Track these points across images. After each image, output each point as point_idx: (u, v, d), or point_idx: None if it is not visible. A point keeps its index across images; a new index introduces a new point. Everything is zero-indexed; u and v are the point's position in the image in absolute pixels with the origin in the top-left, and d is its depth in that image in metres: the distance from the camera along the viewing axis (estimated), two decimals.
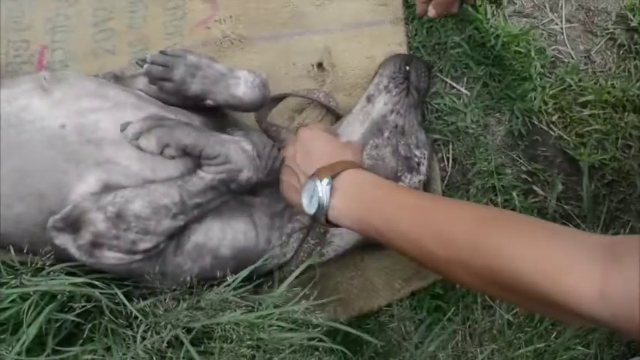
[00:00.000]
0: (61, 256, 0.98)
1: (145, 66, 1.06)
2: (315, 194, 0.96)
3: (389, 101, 1.21)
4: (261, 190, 1.10)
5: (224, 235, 1.02)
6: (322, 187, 0.95)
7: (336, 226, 0.99)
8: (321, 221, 0.98)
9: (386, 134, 1.18)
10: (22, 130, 0.96)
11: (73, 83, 1.02)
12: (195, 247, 1.00)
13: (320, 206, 0.95)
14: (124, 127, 0.97)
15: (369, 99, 1.23)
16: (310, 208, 0.97)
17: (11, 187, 0.96)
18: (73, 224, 0.94)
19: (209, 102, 1.08)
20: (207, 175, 0.97)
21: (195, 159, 0.99)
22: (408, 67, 1.23)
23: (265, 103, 1.13)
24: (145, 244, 0.94)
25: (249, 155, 0.99)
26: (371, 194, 0.95)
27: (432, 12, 1.23)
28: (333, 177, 0.96)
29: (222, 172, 0.97)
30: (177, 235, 0.98)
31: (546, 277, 0.73)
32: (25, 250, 0.98)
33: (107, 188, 0.95)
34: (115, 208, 0.92)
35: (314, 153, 1.05)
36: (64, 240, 0.94)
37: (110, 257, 0.93)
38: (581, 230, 0.85)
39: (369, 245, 1.24)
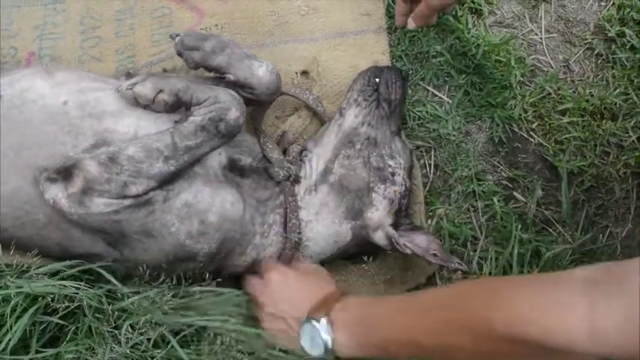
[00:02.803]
0: (46, 250, 1.02)
1: (177, 38, 1.14)
2: (316, 336, 0.98)
3: (359, 113, 1.22)
4: (250, 174, 1.15)
5: (213, 201, 1.05)
6: (322, 327, 0.97)
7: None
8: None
9: (358, 146, 1.20)
10: (25, 109, 1.01)
11: (73, 71, 1.09)
12: (184, 206, 1.02)
13: (326, 347, 0.97)
14: (117, 87, 1.04)
15: (341, 112, 1.25)
16: (315, 351, 0.99)
17: (9, 161, 0.99)
18: (66, 173, 0.97)
19: (229, 76, 1.15)
20: (197, 117, 1.03)
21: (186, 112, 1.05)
22: (377, 80, 1.24)
23: (277, 94, 1.22)
24: (136, 188, 0.97)
25: (236, 97, 1.07)
26: (364, 313, 0.98)
27: (411, 24, 1.25)
28: (327, 314, 0.99)
29: (212, 111, 1.03)
30: (167, 186, 1.01)
31: (537, 325, 0.74)
32: (11, 247, 1.00)
33: (101, 147, 1.00)
34: (109, 154, 0.97)
35: (296, 295, 1.06)
36: (54, 192, 0.97)
37: (100, 204, 0.96)
38: (563, 271, 0.86)
39: (352, 255, 1.26)
